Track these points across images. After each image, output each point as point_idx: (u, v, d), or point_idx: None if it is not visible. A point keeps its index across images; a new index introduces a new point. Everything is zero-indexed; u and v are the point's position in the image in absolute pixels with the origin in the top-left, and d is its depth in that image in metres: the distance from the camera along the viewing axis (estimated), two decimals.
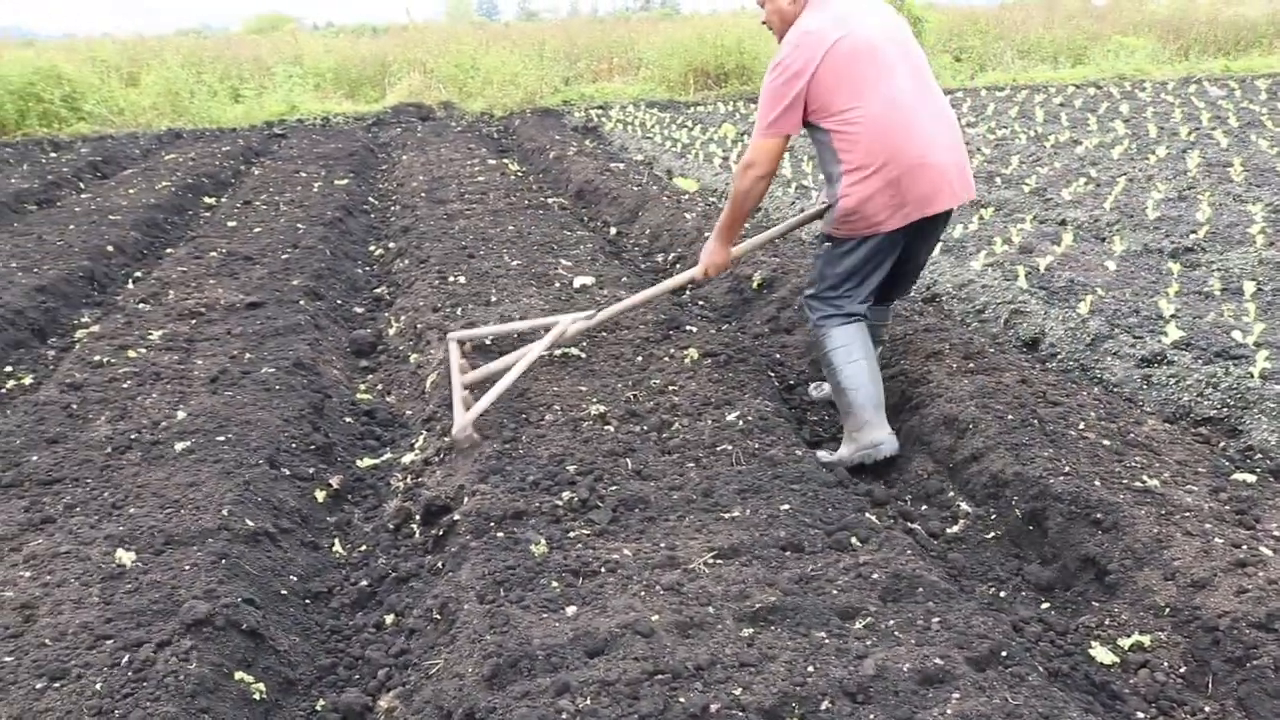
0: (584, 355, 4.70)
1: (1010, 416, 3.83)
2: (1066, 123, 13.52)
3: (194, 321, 5.61)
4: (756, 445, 3.66)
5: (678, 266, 6.97)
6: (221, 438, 3.96)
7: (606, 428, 3.88)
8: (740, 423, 3.83)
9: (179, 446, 3.90)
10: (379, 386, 5.11)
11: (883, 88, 3.65)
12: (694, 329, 4.95)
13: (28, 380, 5.32)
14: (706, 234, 7.11)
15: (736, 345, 4.79)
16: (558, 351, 4.69)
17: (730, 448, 3.64)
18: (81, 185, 12.10)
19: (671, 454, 3.67)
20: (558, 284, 5.96)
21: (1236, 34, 23.57)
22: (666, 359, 4.56)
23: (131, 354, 5.03)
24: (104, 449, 3.94)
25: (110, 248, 7.93)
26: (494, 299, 5.69)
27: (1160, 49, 22.79)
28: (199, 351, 5.09)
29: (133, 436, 4.03)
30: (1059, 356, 5.05)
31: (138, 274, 7.66)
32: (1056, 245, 6.80)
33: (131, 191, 10.52)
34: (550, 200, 9.26)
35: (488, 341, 4.86)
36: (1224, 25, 23.59)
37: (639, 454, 3.66)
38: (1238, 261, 6.16)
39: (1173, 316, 5.17)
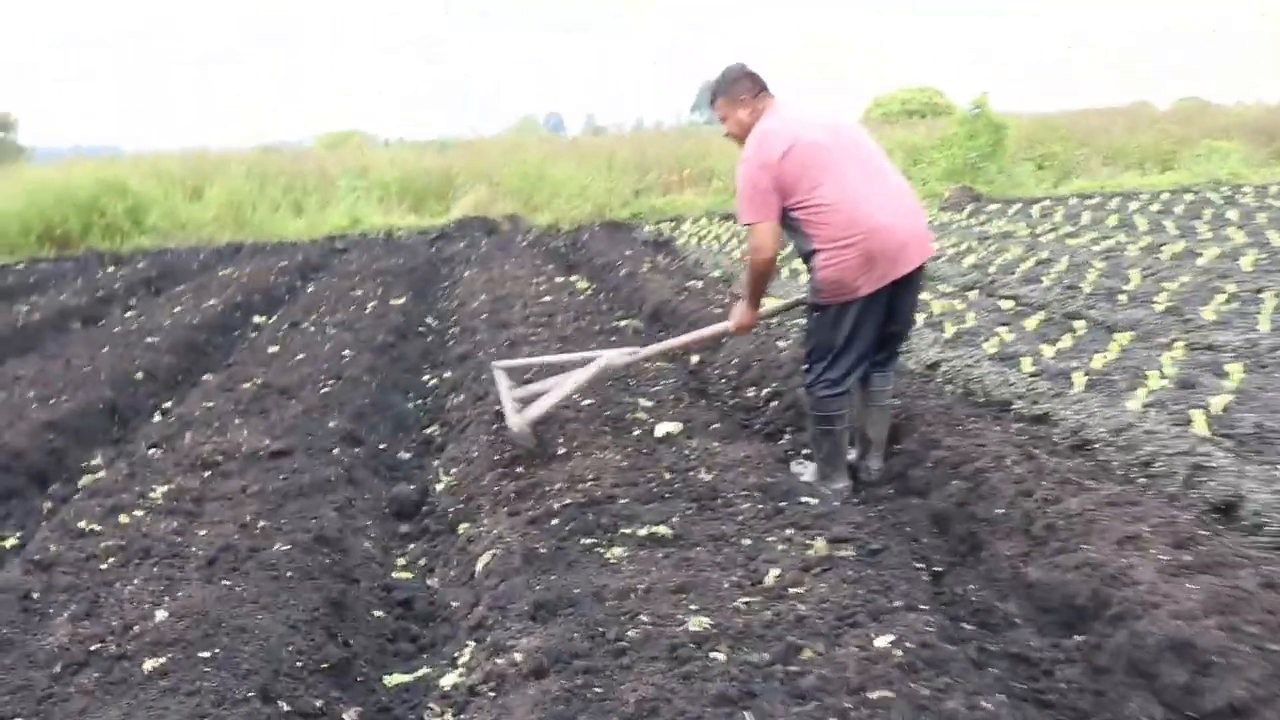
0: (676, 534, 3.71)
1: (1277, 649, 2.76)
2: (1175, 230, 12.45)
3: (207, 474, 4.74)
4: (926, 693, 2.61)
5: (773, 405, 6.00)
6: (206, 653, 3.01)
7: (714, 655, 2.85)
8: (898, 652, 2.79)
9: (149, 665, 2.96)
10: (421, 562, 4.16)
11: (834, 176, 4.20)
12: (813, 500, 3.95)
13: (11, 541, 4.48)
14: (804, 366, 6.17)
15: (870, 527, 3.77)
16: (643, 531, 3.71)
17: (890, 695, 2.60)
18: (132, 302, 11.58)
19: (806, 702, 2.62)
20: (637, 431, 5.01)
21: None
22: (782, 544, 3.54)
23: (124, 518, 4.15)
24: (53, 666, 3.01)
25: (140, 375, 7.19)
26: (562, 451, 4.76)
27: (1254, 151, 21.73)
28: (204, 517, 4.19)
29: (94, 647, 3.10)
30: (1268, 528, 3.97)
31: (167, 404, 6.89)
32: (1223, 379, 5.73)
33: (177, 310, 9.90)
34: (623, 323, 8.40)
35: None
36: None
37: (762, 702, 2.62)
38: None
39: None
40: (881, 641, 2.85)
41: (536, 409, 4.55)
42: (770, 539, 3.59)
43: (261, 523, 4.08)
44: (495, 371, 5.10)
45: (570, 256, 14.35)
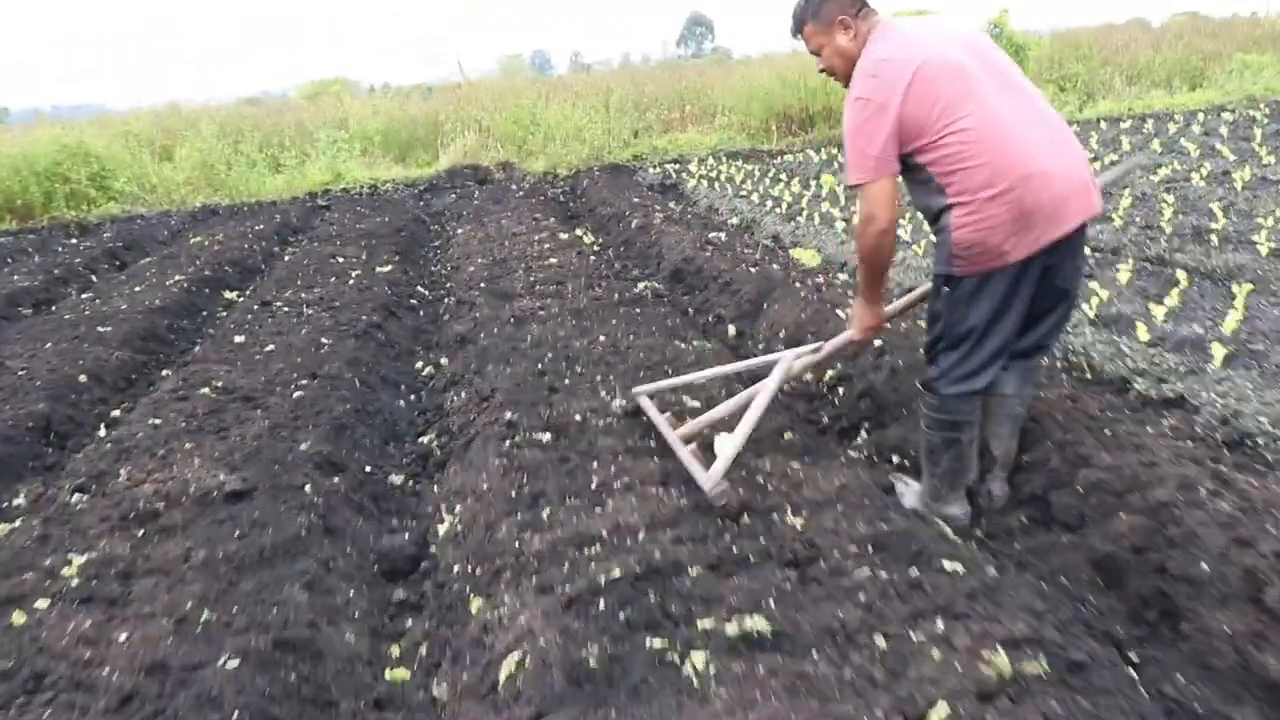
0: (777, 629, 2.64)
1: None
2: (1231, 155, 11.33)
3: (142, 531, 3.67)
4: None
5: (841, 392, 4.94)
6: None
7: None
8: None
9: None
10: (421, 652, 3.11)
11: (975, 107, 3.22)
12: (959, 569, 2.87)
13: None
14: (926, 356, 5.10)
15: (1056, 613, 2.69)
16: (731, 626, 2.65)
17: None
18: (94, 278, 10.46)
19: None
20: (691, 444, 3.94)
21: None
22: (936, 648, 2.48)
23: (18, 616, 3.08)
24: None
25: (84, 377, 6.09)
26: (595, 480, 3.69)
27: None
28: (130, 607, 3.13)
29: None
30: None
31: (116, 412, 5.83)
32: None
33: (139, 289, 8.77)
34: (641, 286, 7.30)
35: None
36: None
37: None
38: None
39: None
40: None
41: (725, 454, 3.52)
42: (915, 636, 2.53)
43: (205, 613, 3.03)
44: (640, 400, 4.30)
45: (571, 206, 13.19)
